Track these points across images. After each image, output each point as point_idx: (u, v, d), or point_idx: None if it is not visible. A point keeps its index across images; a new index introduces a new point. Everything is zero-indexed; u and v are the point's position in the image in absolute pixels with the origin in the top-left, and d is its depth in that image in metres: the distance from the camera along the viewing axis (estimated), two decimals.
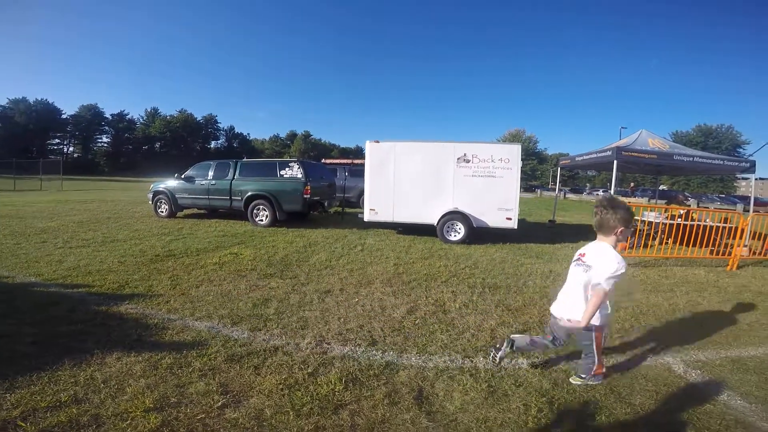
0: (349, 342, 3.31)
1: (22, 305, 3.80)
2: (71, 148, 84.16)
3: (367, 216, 8.59)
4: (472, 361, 3.05)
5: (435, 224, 8.17)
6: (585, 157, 10.92)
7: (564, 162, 12.96)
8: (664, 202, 16.87)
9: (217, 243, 7.25)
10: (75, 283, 4.61)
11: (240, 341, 3.19)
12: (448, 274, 5.64)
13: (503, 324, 3.83)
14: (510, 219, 8.06)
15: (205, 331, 3.34)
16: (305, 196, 9.23)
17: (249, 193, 9.60)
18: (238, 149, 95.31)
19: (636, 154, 9.09)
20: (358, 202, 14.39)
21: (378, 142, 8.54)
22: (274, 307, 4.00)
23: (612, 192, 9.55)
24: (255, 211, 9.59)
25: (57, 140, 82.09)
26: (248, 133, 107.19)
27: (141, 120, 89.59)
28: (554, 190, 49.99)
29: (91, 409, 2.26)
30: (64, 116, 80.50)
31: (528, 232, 9.97)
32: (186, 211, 11.18)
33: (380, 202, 8.48)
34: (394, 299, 4.45)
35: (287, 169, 9.59)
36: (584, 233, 10.49)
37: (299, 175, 9.39)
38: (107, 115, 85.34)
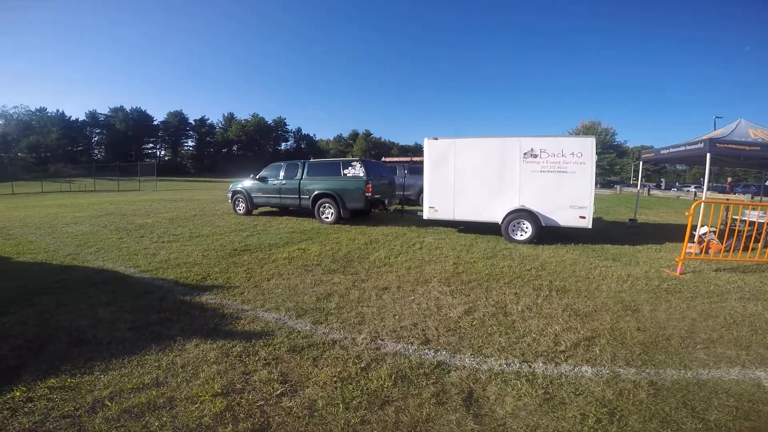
0: (402, 339, 3.36)
1: (123, 294, 4.38)
2: (162, 152, 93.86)
3: (427, 214, 8.58)
4: (530, 366, 2.94)
5: (499, 222, 7.93)
6: (672, 150, 9.86)
7: (647, 155, 11.82)
8: None
9: (287, 239, 7.71)
10: (165, 275, 5.20)
11: (303, 333, 3.40)
12: (512, 275, 5.44)
13: (569, 329, 3.62)
14: (584, 217, 7.57)
15: (272, 322, 3.61)
16: (367, 194, 9.47)
17: (315, 192, 10.06)
18: (306, 150, 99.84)
19: (733, 146, 8.02)
20: (417, 199, 14.37)
21: (437, 139, 8.48)
22: (336, 302, 4.19)
23: (705, 188, 8.56)
24: (321, 209, 10.03)
25: (150, 144, 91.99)
26: (314, 134, 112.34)
27: (219, 125, 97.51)
28: (635, 185, 45.93)
29: (168, 391, 2.53)
30: (155, 123, 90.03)
31: (604, 231, 9.29)
32: (261, 209, 11.98)
33: (440, 199, 8.43)
34: (451, 299, 4.41)
35: (350, 168, 9.90)
36: (670, 234, 9.53)
37: (361, 174, 9.65)
38: (191, 120, 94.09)
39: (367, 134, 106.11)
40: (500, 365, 2.95)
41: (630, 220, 11.39)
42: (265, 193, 11.16)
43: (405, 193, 13.96)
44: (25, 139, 68.23)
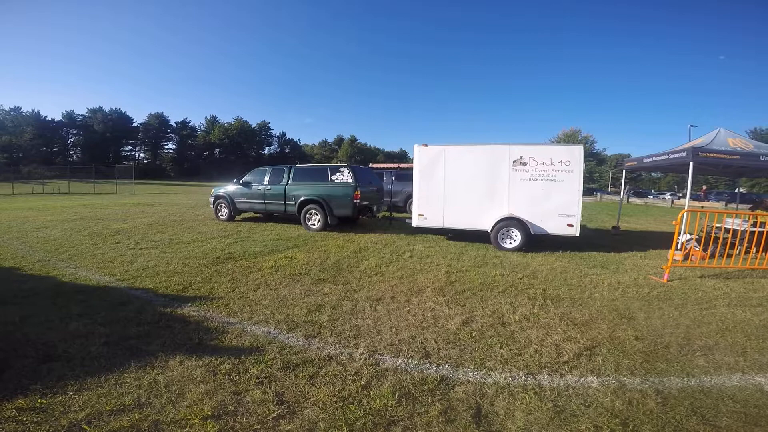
0: (401, 354, 3.23)
1: (97, 305, 4.08)
2: (142, 154, 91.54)
3: (416, 221, 8.47)
4: (535, 379, 2.88)
5: (489, 231, 7.87)
6: (655, 159, 10.05)
7: (629, 163, 12.03)
8: (748, 207, 15.18)
9: (272, 246, 7.47)
10: (143, 285, 4.91)
11: (295, 348, 3.21)
12: (505, 283, 5.38)
13: (568, 339, 3.59)
14: (571, 226, 7.58)
15: (262, 337, 3.40)
16: (355, 201, 9.29)
17: (302, 198, 9.83)
18: (290, 154, 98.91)
19: (715, 155, 8.20)
20: (404, 206, 14.31)
21: (427, 146, 8.40)
22: (328, 314, 4.01)
23: (688, 196, 8.71)
24: (307, 215, 9.80)
25: (129, 147, 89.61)
26: (299, 139, 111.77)
27: (202, 127, 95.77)
28: (615, 193, 47.09)
29: (152, 414, 2.32)
30: (135, 124, 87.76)
31: (590, 239, 9.36)
32: (244, 215, 11.65)
33: (430, 207, 8.33)
34: (447, 309, 4.31)
35: (338, 174, 9.71)
36: (653, 241, 9.67)
37: (349, 180, 9.47)
38: (172, 122, 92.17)
39: (353, 140, 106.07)
40: (505, 378, 2.88)
41: (613, 227, 11.56)
42: (248, 198, 10.86)
43: (392, 199, 13.85)
44: None
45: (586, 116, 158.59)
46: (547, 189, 7.68)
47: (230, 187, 11.29)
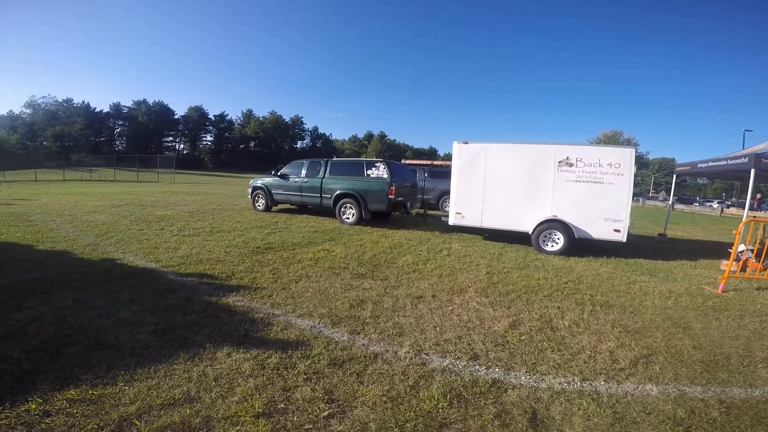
0: (448, 354, 3.16)
1: (145, 291, 4.15)
2: (182, 146, 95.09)
3: (453, 220, 8.29)
4: (591, 385, 2.81)
5: (530, 232, 7.61)
6: (711, 164, 9.41)
7: (681, 168, 11.34)
8: None
9: (309, 238, 7.51)
10: (188, 272, 5.01)
11: (341, 344, 3.16)
12: (550, 287, 5.19)
13: (623, 346, 3.49)
14: (618, 231, 7.21)
15: (307, 330, 3.37)
16: (390, 196, 9.20)
17: (338, 192, 9.84)
18: (321, 149, 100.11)
19: None
20: (437, 204, 14.11)
21: (467, 143, 8.19)
22: (370, 310, 3.96)
23: (747, 204, 8.11)
24: (342, 209, 9.81)
25: (170, 138, 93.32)
26: (330, 134, 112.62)
27: (238, 121, 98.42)
28: (657, 198, 44.85)
29: (202, 409, 2.28)
30: (176, 116, 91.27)
31: (634, 246, 8.89)
32: (279, 206, 11.82)
33: (468, 205, 8.13)
34: (492, 311, 4.18)
35: (374, 168, 9.65)
36: (702, 251, 9.14)
37: (385, 175, 9.39)
38: (210, 116, 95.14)
39: (382, 135, 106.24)
40: (560, 384, 2.80)
41: (659, 234, 10.96)
42: (285, 190, 10.99)
43: (425, 197, 13.68)
44: (51, 128, 69.89)
45: (626, 118, 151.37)
46: (594, 192, 7.34)
47: (268, 179, 11.46)
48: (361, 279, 5.03)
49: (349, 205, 9.73)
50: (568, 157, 7.46)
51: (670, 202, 13.39)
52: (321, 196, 10.24)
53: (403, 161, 18.42)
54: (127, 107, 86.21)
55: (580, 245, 7.63)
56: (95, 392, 2.37)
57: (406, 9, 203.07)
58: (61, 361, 2.69)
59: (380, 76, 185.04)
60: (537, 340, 3.51)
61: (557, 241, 7.48)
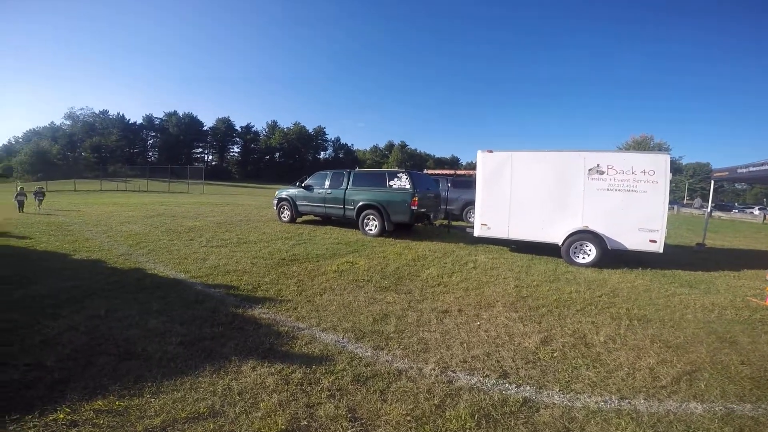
0: (476, 371, 3.05)
1: (174, 302, 4.24)
2: (210, 157, 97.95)
3: (478, 231, 8.11)
4: (630, 403, 2.69)
5: (559, 244, 7.36)
6: (752, 169, 8.91)
7: (719, 174, 10.79)
8: None
9: (333, 250, 7.51)
10: (216, 282, 5.08)
11: (364, 360, 3.11)
12: (583, 301, 4.99)
13: (664, 363, 3.34)
14: (654, 242, 6.87)
15: (331, 345, 3.34)
16: (413, 207, 9.10)
17: (360, 203, 9.82)
18: (343, 159, 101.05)
19: None
20: (461, 215, 13.90)
21: (491, 151, 8.04)
22: (394, 325, 3.89)
23: None
24: (365, 220, 9.78)
25: (200, 149, 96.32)
26: (352, 144, 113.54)
27: (263, 132, 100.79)
28: (692, 205, 42.75)
29: (226, 424, 2.27)
30: (204, 128, 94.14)
31: (671, 256, 8.46)
32: (304, 217, 11.91)
33: (493, 216, 7.95)
34: (522, 326, 4.03)
35: (396, 179, 9.59)
36: (745, 260, 8.63)
37: (407, 186, 9.31)
38: (237, 127, 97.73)
39: (403, 145, 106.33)
40: (596, 402, 2.69)
41: (698, 244, 10.41)
42: (310, 201, 11.08)
43: (448, 207, 13.50)
44: (89, 139, 73.42)
45: (654, 122, 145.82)
46: (627, 201, 7.04)
47: (293, 190, 11.60)
48: (384, 292, 4.97)
49: (371, 216, 9.70)
50: (598, 165, 7.20)
51: (708, 210, 12.75)
52: (344, 207, 10.25)
53: (425, 171, 18.30)
54: (159, 119, 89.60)
55: (612, 256, 7.32)
56: (122, 403, 2.40)
57: (426, 12, 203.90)
58: (91, 371, 2.75)
59: (401, 83, 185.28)
60: (570, 357, 3.37)
61: (589, 253, 7.20)
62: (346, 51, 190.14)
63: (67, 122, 76.88)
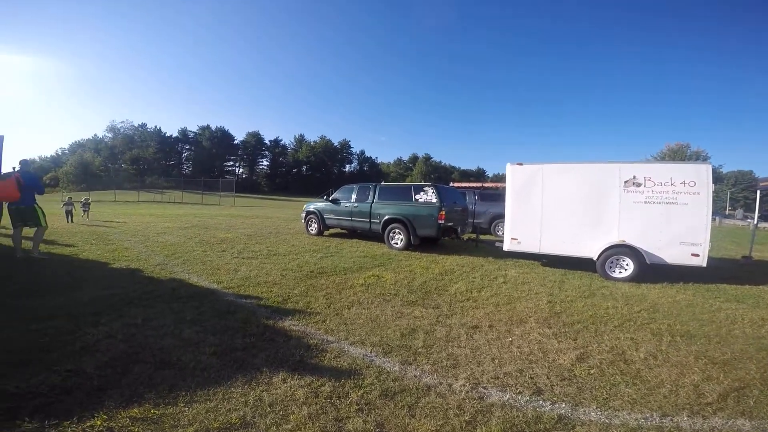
0: (508, 388, 2.97)
1: (207, 312, 4.32)
2: (240, 170, 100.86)
3: (508, 246, 7.94)
4: (672, 420, 2.60)
5: (594, 258, 7.10)
6: None
7: (766, 183, 10.22)
8: None
9: (360, 264, 7.53)
10: (247, 293, 5.18)
11: (392, 375, 3.06)
12: (621, 317, 4.79)
13: (710, 379, 3.19)
14: (697, 255, 6.52)
15: (359, 359, 3.31)
16: (440, 221, 9.02)
17: (386, 217, 9.83)
18: (368, 172, 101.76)
19: None
20: (489, 228, 13.66)
21: (521, 164, 7.90)
22: (422, 339, 3.82)
23: None
24: (391, 234, 9.76)
25: (231, 162, 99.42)
26: (376, 157, 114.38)
27: (291, 146, 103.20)
28: (734, 216, 40.37)
29: None
30: (235, 142, 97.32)
31: (714, 269, 7.99)
32: (331, 230, 12.04)
33: (524, 230, 7.77)
34: (556, 343, 3.90)
35: (422, 193, 9.56)
36: None
37: (434, 200, 9.26)
38: (266, 141, 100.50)
39: (427, 158, 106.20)
40: (636, 420, 2.60)
41: (743, 256, 9.80)
42: (337, 215, 11.21)
43: (475, 221, 13.31)
44: (129, 152, 77.17)
45: (689, 130, 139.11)
46: (667, 213, 6.74)
47: (320, 204, 11.78)
48: (411, 306, 4.91)
49: (397, 230, 9.67)
50: (635, 177, 6.94)
51: (755, 221, 12.03)
52: (370, 221, 10.29)
53: (451, 184, 18.18)
54: (193, 132, 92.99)
55: (651, 270, 6.99)
56: (157, 411, 2.43)
57: (453, 20, 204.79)
58: (128, 379, 2.81)
59: (427, 92, 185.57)
60: (609, 374, 3.24)
61: (626, 268, 6.90)
62: (372, 59, 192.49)
63: (109, 135, 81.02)
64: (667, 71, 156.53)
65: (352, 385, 2.84)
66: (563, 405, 2.75)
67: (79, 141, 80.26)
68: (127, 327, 3.76)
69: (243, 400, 2.61)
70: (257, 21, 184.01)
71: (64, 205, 14.14)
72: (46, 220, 7.18)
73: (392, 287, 5.82)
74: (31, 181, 6.91)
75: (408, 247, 9.44)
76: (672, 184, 6.73)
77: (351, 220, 10.84)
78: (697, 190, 6.59)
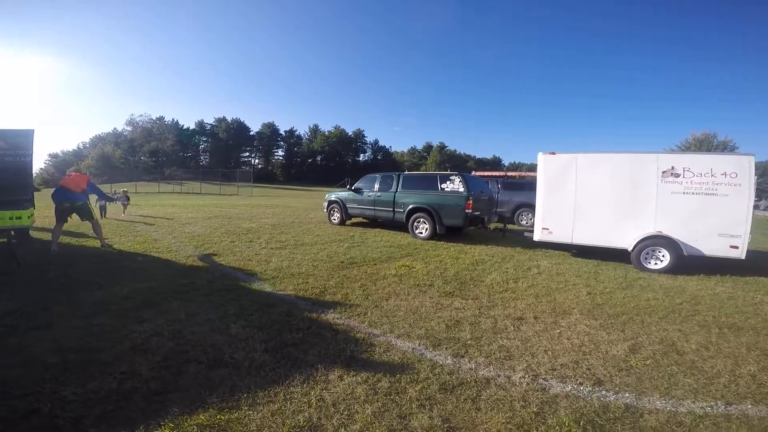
0: (567, 379, 2.96)
1: (248, 305, 4.28)
2: (256, 160, 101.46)
3: (538, 236, 7.81)
4: (738, 408, 2.63)
5: (629, 249, 6.94)
6: None
7: None
8: None
9: (387, 254, 7.51)
10: (283, 285, 5.18)
11: (446, 368, 3.03)
12: (664, 309, 4.72)
13: (765, 369, 3.20)
14: (736, 247, 6.35)
15: (409, 353, 3.28)
16: (467, 210, 8.92)
17: (410, 206, 9.77)
18: (382, 161, 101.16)
19: None
20: (512, 217, 13.49)
21: (554, 153, 7.73)
22: (469, 332, 3.79)
23: None
24: (415, 223, 9.71)
25: (247, 153, 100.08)
26: (390, 146, 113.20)
27: (306, 136, 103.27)
28: (758, 207, 39.17)
29: None
30: (251, 133, 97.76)
31: (752, 261, 7.74)
32: (353, 220, 12.03)
33: (556, 221, 7.62)
34: (605, 334, 3.87)
35: (448, 182, 9.45)
36: None
37: (461, 189, 9.15)
38: (281, 131, 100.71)
39: (442, 146, 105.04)
40: (701, 408, 2.63)
41: None
42: (359, 204, 11.20)
43: (498, 210, 13.16)
44: (147, 144, 78.33)
45: (724, 117, 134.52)
46: (706, 205, 6.54)
47: (343, 193, 11.78)
48: (450, 298, 4.87)
49: (422, 219, 9.61)
50: (673, 167, 6.74)
51: None
52: (394, 210, 10.24)
53: (473, 173, 17.95)
54: (210, 124, 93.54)
55: (685, 261, 6.81)
56: (222, 417, 2.35)
57: (473, 9, 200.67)
58: (184, 380, 2.72)
59: (440, 80, 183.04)
60: (664, 365, 3.25)
61: (662, 259, 6.74)
62: (387, 48, 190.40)
63: (128, 128, 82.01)
64: (691, 57, 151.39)
65: (408, 380, 2.81)
66: (627, 395, 2.75)
67: (99, 135, 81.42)
68: (171, 323, 3.70)
69: (305, 400, 2.54)
70: (270, 11, 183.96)
71: (98, 200, 11.99)
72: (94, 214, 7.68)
73: (425, 278, 5.78)
74: (92, 187, 7.91)
75: (433, 236, 9.38)
76: (712, 175, 6.52)
77: (374, 209, 10.81)
78: (739, 182, 6.38)
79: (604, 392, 2.78)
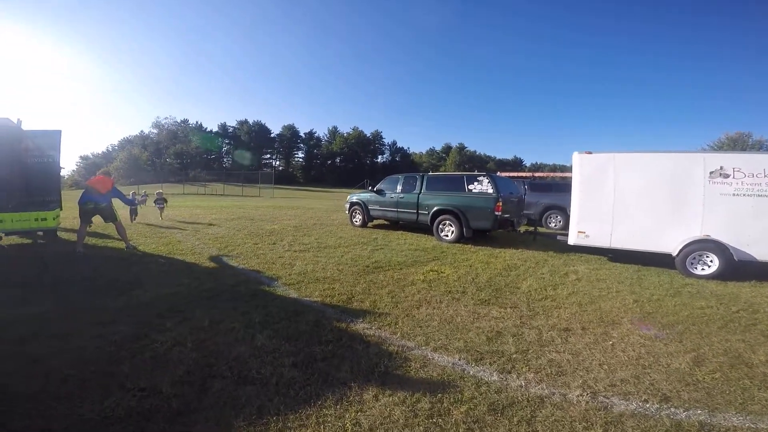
0: (630, 396, 2.71)
1: (274, 313, 4.07)
2: (277, 162, 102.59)
3: (574, 239, 7.41)
4: None
5: (674, 254, 6.49)
6: None
7: None
8: None
9: (413, 257, 7.24)
10: (309, 291, 4.97)
11: (493, 386, 2.76)
12: (721, 318, 4.37)
13: None
14: None
15: (449, 368, 3.01)
16: (496, 213, 8.55)
17: (435, 208, 9.47)
18: (400, 162, 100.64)
19: None
20: (540, 220, 13.02)
21: (590, 153, 7.33)
22: (512, 344, 3.50)
23: None
24: (440, 226, 9.40)
25: (268, 155, 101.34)
26: (408, 147, 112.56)
27: (325, 137, 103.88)
28: None
29: None
30: (272, 135, 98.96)
31: None
32: (375, 222, 11.81)
33: (593, 223, 7.21)
34: (663, 346, 3.56)
35: (476, 183, 9.10)
36: None
37: (490, 191, 8.78)
38: (301, 133, 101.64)
39: (461, 147, 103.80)
40: None
41: None
42: (382, 206, 10.96)
43: (525, 212, 12.70)
44: (173, 147, 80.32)
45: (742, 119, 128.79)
46: (759, 207, 6.05)
47: (365, 195, 11.57)
48: (486, 306, 4.58)
49: (447, 222, 9.29)
50: (722, 167, 6.26)
51: None
52: (417, 212, 9.96)
53: (499, 174, 17.51)
54: (232, 127, 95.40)
55: (735, 267, 6.32)
56: None
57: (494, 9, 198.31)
58: (209, 399, 2.53)
59: (458, 81, 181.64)
60: (734, 378, 3.02)
61: (710, 264, 6.26)
62: (406, 50, 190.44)
63: (154, 131, 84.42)
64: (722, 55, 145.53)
65: (452, 400, 2.55)
66: (698, 411, 2.56)
67: (127, 137, 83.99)
68: (194, 332, 3.52)
69: (340, 424, 2.31)
70: (292, 11, 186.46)
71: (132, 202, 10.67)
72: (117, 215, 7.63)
73: (456, 284, 5.50)
74: (116, 192, 7.77)
75: (459, 239, 9.05)
76: (765, 176, 6.04)
77: (397, 211, 10.55)
78: None
79: (673, 409, 2.57)
